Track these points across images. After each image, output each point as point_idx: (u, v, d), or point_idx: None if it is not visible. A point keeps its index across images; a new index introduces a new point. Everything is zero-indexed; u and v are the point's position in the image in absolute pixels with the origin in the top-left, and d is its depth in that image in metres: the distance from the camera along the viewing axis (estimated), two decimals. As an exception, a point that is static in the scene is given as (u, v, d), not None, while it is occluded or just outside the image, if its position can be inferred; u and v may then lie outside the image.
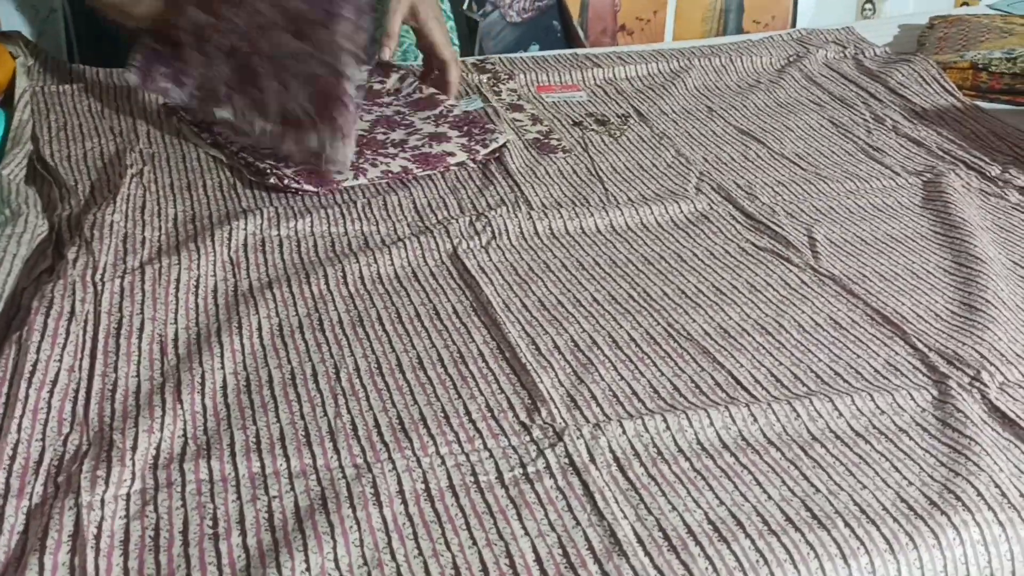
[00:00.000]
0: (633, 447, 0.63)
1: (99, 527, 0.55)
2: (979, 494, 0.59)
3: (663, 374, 0.71)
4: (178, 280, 0.79)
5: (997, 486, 0.60)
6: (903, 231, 0.94)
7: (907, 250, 0.91)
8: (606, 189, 1.02)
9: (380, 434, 0.63)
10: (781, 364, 0.73)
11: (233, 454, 0.61)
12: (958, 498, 0.59)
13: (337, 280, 0.82)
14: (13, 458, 0.59)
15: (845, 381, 0.70)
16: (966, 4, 1.73)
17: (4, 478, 0.58)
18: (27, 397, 0.64)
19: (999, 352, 0.73)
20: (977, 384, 0.70)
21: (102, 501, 0.56)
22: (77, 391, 0.66)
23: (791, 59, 1.38)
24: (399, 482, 0.59)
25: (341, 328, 0.75)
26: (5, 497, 0.57)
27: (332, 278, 0.82)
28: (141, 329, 0.73)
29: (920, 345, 0.75)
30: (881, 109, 1.22)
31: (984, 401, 0.68)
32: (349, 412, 0.65)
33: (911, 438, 0.64)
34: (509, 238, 0.91)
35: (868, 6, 1.84)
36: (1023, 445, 0.63)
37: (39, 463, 0.60)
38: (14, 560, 0.53)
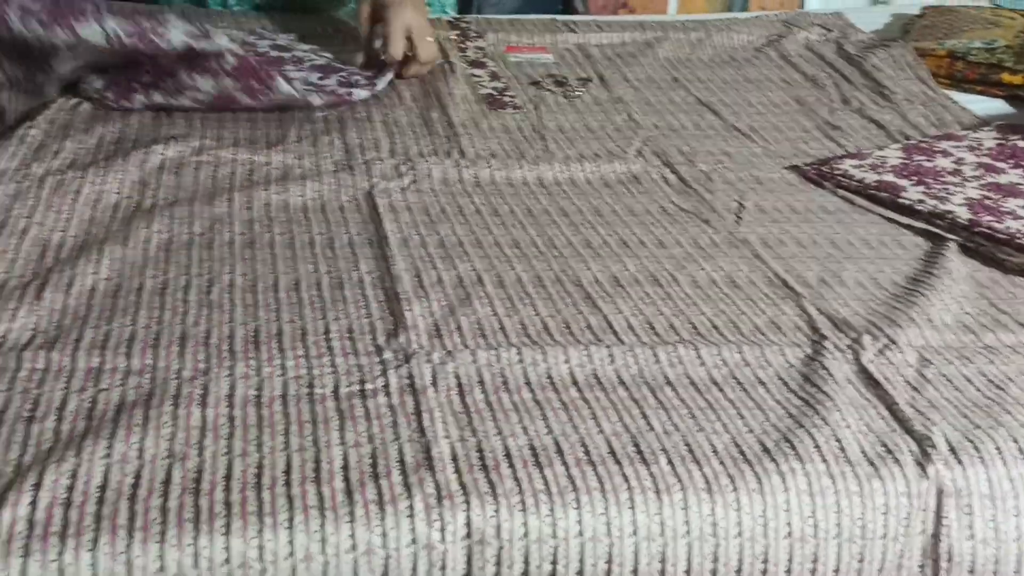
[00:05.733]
0: (480, 375, 0.62)
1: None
2: (816, 446, 0.57)
3: (538, 314, 0.70)
4: (78, 191, 0.80)
5: (838, 440, 0.58)
6: (836, 203, 0.92)
7: (834, 221, 0.89)
8: (546, 146, 1.01)
9: (231, 344, 0.63)
10: (661, 314, 0.71)
11: (76, 349, 0.61)
12: (793, 447, 0.57)
13: (241, 205, 0.82)
14: None
15: (721, 334, 0.69)
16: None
17: None
18: None
19: (891, 320, 0.71)
20: (855, 347, 0.68)
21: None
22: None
23: (771, 39, 1.36)
24: (231, 387, 0.59)
25: (230, 247, 0.76)
26: None
27: (236, 203, 0.82)
28: (24, 232, 0.74)
29: (812, 308, 0.73)
30: (851, 91, 1.19)
31: (855, 363, 0.66)
32: (207, 321, 0.66)
33: (767, 390, 0.63)
34: (432, 183, 0.91)
35: (880, -7, 1.79)
36: (882, 408, 0.61)
37: None
38: None
